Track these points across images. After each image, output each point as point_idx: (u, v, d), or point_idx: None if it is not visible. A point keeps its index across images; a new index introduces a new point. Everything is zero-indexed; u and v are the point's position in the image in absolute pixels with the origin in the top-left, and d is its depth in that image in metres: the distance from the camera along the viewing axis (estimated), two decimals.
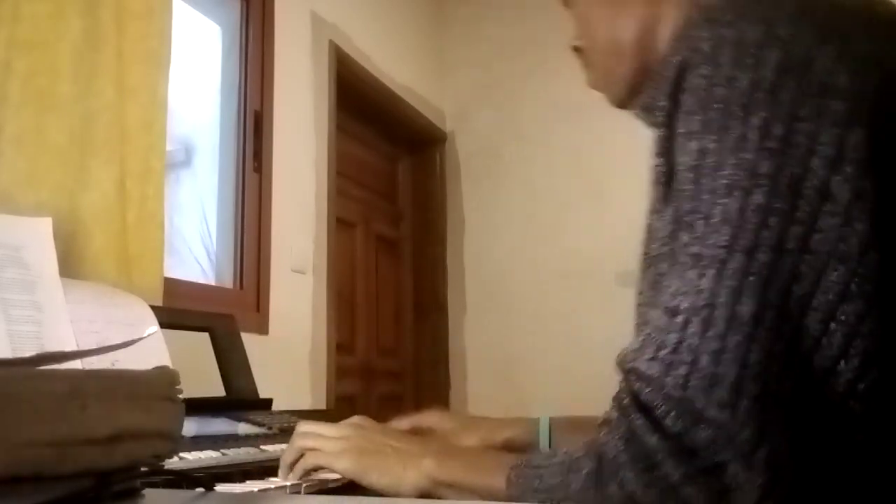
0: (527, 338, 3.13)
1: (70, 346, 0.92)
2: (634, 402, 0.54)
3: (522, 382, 3.10)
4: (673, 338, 0.52)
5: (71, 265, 1.22)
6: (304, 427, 0.78)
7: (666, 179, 0.60)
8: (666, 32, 0.72)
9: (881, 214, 0.53)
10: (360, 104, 2.85)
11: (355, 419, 0.79)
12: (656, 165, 0.62)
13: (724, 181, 0.53)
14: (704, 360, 0.51)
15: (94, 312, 1.00)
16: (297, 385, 2.20)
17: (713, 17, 0.58)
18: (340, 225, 2.65)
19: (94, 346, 0.93)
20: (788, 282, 0.52)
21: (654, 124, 0.68)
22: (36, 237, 0.97)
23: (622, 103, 0.79)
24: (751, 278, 0.51)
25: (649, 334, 0.55)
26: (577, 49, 0.82)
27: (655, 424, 0.52)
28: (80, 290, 1.03)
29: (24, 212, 1.10)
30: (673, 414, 0.51)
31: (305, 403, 2.16)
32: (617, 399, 0.57)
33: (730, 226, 0.52)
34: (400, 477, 0.68)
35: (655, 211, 0.62)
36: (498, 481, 0.63)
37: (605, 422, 0.58)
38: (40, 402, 0.39)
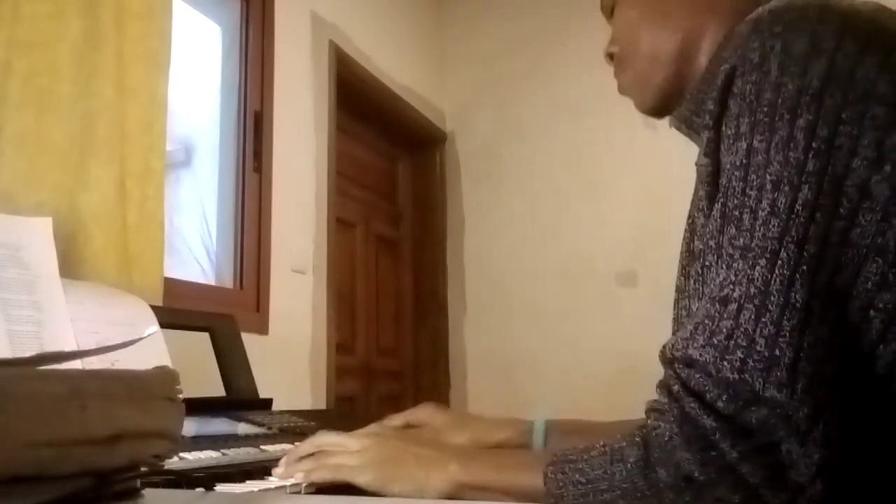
0: (527, 338, 3.13)
1: (70, 346, 0.92)
2: (684, 388, 0.56)
3: (522, 382, 3.10)
4: (726, 324, 0.55)
5: (71, 265, 1.22)
6: (325, 436, 0.78)
7: (712, 179, 0.63)
8: (707, 45, 0.76)
9: None
10: (360, 104, 2.85)
11: (373, 427, 0.81)
12: (703, 165, 0.65)
13: (772, 178, 0.57)
14: (761, 343, 0.53)
15: (94, 312, 1.00)
16: (297, 385, 2.20)
17: (761, 29, 0.62)
18: (340, 225, 2.65)
19: (94, 346, 0.93)
20: (833, 273, 0.55)
21: (699, 128, 0.72)
22: (36, 237, 0.97)
23: (650, 110, 0.83)
24: (802, 268, 0.54)
25: (699, 323, 0.57)
26: (610, 56, 0.86)
27: (708, 407, 0.54)
28: (80, 290, 1.03)
29: (24, 212, 1.10)
30: (725, 397, 0.54)
31: (305, 403, 2.16)
32: (664, 387, 0.59)
33: (779, 219, 0.56)
34: (423, 484, 0.69)
35: (700, 209, 0.65)
36: (530, 479, 0.64)
37: (653, 409, 0.59)
38: (40, 402, 0.39)
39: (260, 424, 1.02)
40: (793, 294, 0.54)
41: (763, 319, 0.54)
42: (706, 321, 0.57)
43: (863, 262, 0.56)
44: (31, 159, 1.24)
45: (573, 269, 3.08)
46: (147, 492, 0.51)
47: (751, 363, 0.53)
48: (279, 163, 2.22)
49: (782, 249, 0.55)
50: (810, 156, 0.56)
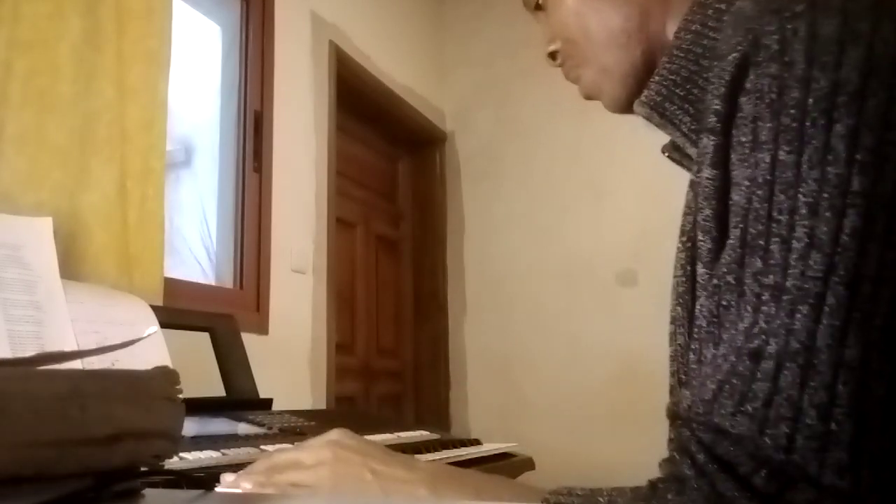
0: (527, 338, 3.13)
1: (70, 346, 0.92)
2: (710, 456, 0.46)
3: (522, 382, 3.10)
4: (763, 387, 0.45)
5: (71, 265, 1.22)
6: (278, 456, 0.66)
7: (721, 195, 0.52)
8: (672, 17, 0.65)
9: None
10: (360, 104, 2.85)
11: (333, 434, 0.66)
12: (708, 178, 0.53)
13: (807, 199, 0.46)
14: (812, 415, 0.44)
15: (94, 312, 1.00)
16: (297, 385, 2.20)
17: (779, 7, 0.50)
18: (340, 225, 2.65)
19: (94, 346, 0.93)
20: (890, 317, 0.45)
21: (676, 118, 0.63)
22: (36, 237, 0.97)
23: (623, 106, 0.71)
24: (855, 315, 0.44)
25: (723, 381, 0.47)
26: (553, 55, 0.75)
27: (746, 486, 0.44)
28: (80, 290, 1.03)
29: (24, 212, 1.10)
30: (765, 472, 0.44)
31: (305, 403, 2.16)
32: (682, 451, 0.48)
33: (821, 252, 0.45)
34: None
35: (707, 231, 0.53)
36: None
37: (673, 479, 0.48)
38: (40, 402, 0.39)
39: (260, 424, 1.02)
40: (846, 349, 0.44)
41: (811, 383, 0.44)
42: (734, 380, 0.46)
43: None
44: (32, 159, 1.24)
45: (573, 269, 3.08)
46: (147, 492, 0.50)
47: (801, 440, 0.43)
48: (279, 163, 2.22)
49: (828, 292, 0.45)
50: (854, 171, 0.46)
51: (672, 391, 0.65)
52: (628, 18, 0.67)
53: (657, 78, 0.64)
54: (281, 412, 1.16)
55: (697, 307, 0.54)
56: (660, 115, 0.65)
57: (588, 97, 0.74)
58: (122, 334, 1.00)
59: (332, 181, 2.51)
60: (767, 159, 0.48)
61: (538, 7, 0.74)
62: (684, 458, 0.48)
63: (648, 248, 2.84)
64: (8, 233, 0.95)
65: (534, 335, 3.11)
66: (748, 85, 0.50)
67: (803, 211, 0.46)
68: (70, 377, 0.43)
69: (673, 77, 0.63)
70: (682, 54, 0.62)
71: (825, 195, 0.46)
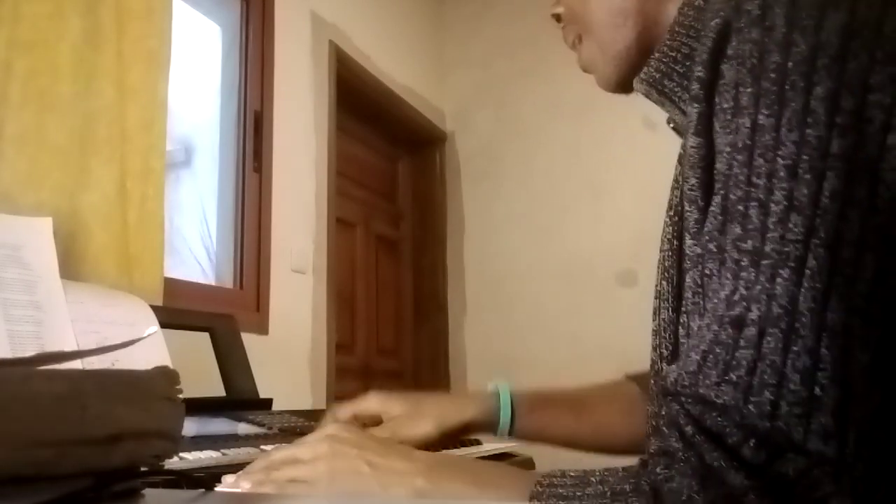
0: (527, 338, 3.13)
1: (70, 346, 0.92)
2: (699, 428, 0.45)
3: (522, 382, 3.09)
4: (746, 355, 0.44)
5: (71, 265, 1.22)
6: (276, 453, 0.67)
7: (706, 163, 0.51)
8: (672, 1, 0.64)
9: None
10: (360, 104, 2.85)
11: (330, 428, 0.66)
12: (693, 146, 0.52)
13: (786, 162, 0.45)
14: (795, 380, 0.43)
15: (94, 312, 1.00)
16: (297, 385, 2.20)
17: None
18: (340, 225, 2.65)
19: (94, 346, 0.93)
20: (873, 282, 0.44)
21: (675, 94, 0.62)
22: (36, 237, 0.97)
23: (617, 85, 0.70)
24: (837, 278, 0.43)
25: (707, 351, 0.46)
26: (557, 18, 0.74)
27: (734, 457, 0.44)
28: (80, 290, 1.03)
29: (24, 212, 1.10)
30: (753, 442, 0.43)
31: (305, 403, 2.16)
32: (672, 425, 0.47)
33: (801, 215, 0.44)
34: (383, 502, 0.58)
35: (692, 201, 0.52)
36: (511, 498, 0.55)
37: (662, 453, 0.48)
38: (40, 402, 0.39)
39: (260, 424, 1.02)
40: (828, 313, 0.43)
41: (794, 348, 0.43)
42: (717, 349, 0.46)
43: None
44: (32, 159, 1.24)
45: (573, 269, 3.08)
46: (147, 492, 0.50)
47: (784, 406, 0.43)
48: (279, 163, 2.22)
49: (809, 255, 0.44)
50: (834, 133, 0.45)
51: (652, 365, 0.65)
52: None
53: (657, 55, 0.63)
54: (281, 412, 1.16)
55: (686, 279, 0.53)
56: (658, 92, 0.65)
57: (584, 69, 0.74)
58: (122, 334, 1.00)
59: (332, 181, 2.51)
60: (748, 124, 0.48)
61: None
62: (672, 432, 0.47)
63: (648, 248, 2.83)
64: (8, 233, 0.95)
65: (534, 335, 3.11)
66: (730, 51, 0.50)
67: (782, 174, 0.46)
68: (70, 377, 0.43)
69: (673, 54, 0.62)
70: (683, 31, 0.61)
71: (804, 157, 0.45)
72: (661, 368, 0.58)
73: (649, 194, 2.95)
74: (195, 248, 2.15)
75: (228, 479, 0.65)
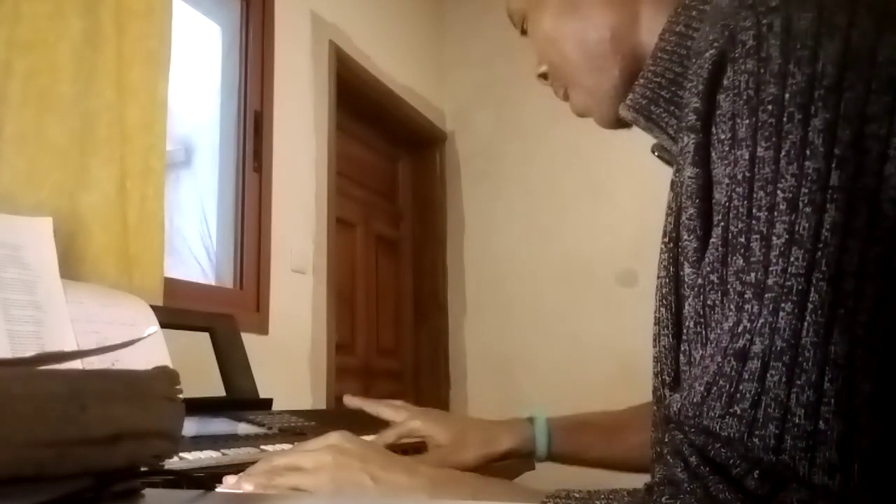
0: (527, 338, 3.13)
1: (70, 346, 0.92)
2: (703, 459, 0.46)
3: (522, 382, 3.10)
4: (750, 388, 0.45)
5: (71, 265, 1.22)
6: (277, 459, 0.67)
7: (704, 194, 0.52)
8: (650, 14, 0.66)
9: None
10: (360, 104, 2.85)
11: (333, 438, 0.66)
12: (690, 177, 0.53)
13: (786, 195, 0.46)
14: (799, 414, 0.43)
15: (94, 312, 1.00)
16: (297, 385, 2.20)
17: (754, 2, 0.50)
18: (340, 225, 2.65)
19: (94, 346, 0.93)
20: (873, 312, 0.44)
21: (662, 120, 0.63)
22: (36, 237, 0.97)
23: (613, 123, 0.73)
24: (839, 311, 0.44)
25: (711, 383, 0.47)
26: (544, 76, 0.77)
27: (739, 488, 0.44)
28: (80, 290, 1.03)
29: (24, 212, 1.10)
30: (757, 473, 0.44)
31: (305, 403, 2.16)
32: (676, 454, 0.48)
33: (802, 248, 0.45)
34: None
35: (691, 230, 0.53)
36: None
37: (668, 482, 0.48)
38: (40, 402, 0.39)
39: (260, 424, 1.02)
40: (831, 346, 0.43)
41: (798, 382, 0.43)
42: (721, 381, 0.46)
43: None
44: (31, 159, 1.24)
45: (573, 269, 3.08)
46: (147, 492, 0.50)
47: (789, 440, 0.43)
48: (279, 163, 2.22)
49: (811, 289, 0.44)
50: (833, 165, 0.45)
51: (654, 392, 0.65)
52: (601, 41, 0.68)
53: (642, 81, 0.64)
54: (281, 412, 1.16)
55: (686, 307, 0.53)
56: (645, 119, 0.65)
57: (580, 116, 0.77)
58: (122, 334, 1.00)
59: (332, 181, 2.51)
60: (746, 156, 0.48)
61: (524, 32, 0.77)
62: (677, 461, 0.47)
63: (648, 249, 2.83)
64: (8, 233, 0.95)
65: (534, 335, 3.11)
66: (726, 82, 0.50)
67: (782, 207, 0.46)
68: (70, 377, 0.43)
69: (658, 80, 0.63)
70: (666, 56, 0.62)
71: (804, 190, 0.45)
72: (664, 395, 0.59)
73: (649, 194, 2.94)
74: (195, 248, 2.15)
75: (230, 479, 0.65)
